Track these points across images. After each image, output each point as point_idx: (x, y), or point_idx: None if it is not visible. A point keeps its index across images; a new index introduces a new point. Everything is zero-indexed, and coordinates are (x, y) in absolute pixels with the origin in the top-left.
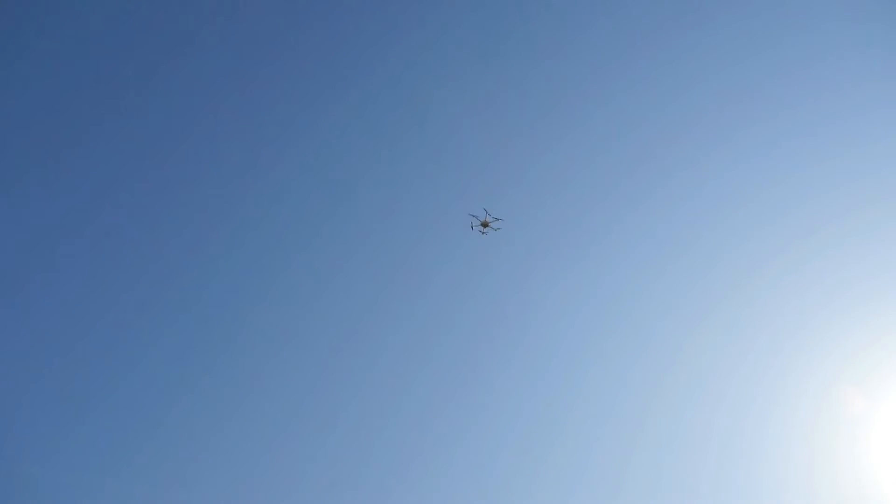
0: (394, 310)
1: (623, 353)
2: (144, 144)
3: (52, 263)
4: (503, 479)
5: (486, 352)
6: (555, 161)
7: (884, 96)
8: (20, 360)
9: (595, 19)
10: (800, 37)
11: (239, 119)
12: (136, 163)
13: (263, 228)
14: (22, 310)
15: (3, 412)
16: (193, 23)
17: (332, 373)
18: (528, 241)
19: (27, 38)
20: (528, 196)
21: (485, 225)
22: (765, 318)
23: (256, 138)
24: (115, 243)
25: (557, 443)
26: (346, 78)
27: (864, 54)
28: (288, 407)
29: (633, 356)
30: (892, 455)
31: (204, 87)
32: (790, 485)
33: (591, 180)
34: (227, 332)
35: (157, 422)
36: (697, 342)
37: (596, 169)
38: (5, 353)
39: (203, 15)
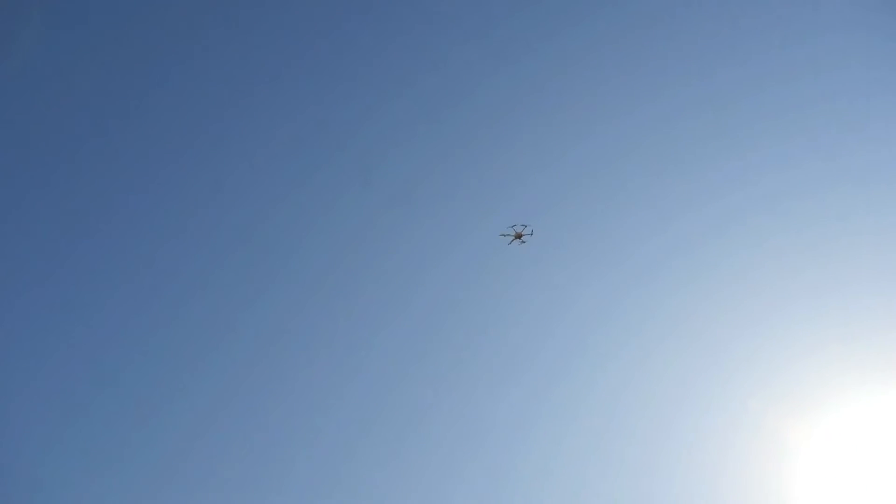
0: (389, 310)
1: (564, 376)
2: (143, 144)
3: (51, 263)
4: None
5: (477, 352)
6: (553, 163)
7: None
8: (20, 359)
9: (595, 20)
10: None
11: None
12: (133, 162)
13: (262, 230)
14: (21, 309)
15: (3, 412)
16: (192, 23)
17: (331, 373)
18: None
19: (26, 38)
20: (524, 197)
21: (518, 237)
22: (704, 343)
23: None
24: (114, 242)
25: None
26: (352, 78)
27: (864, 54)
28: (291, 406)
29: (573, 379)
30: (828, 484)
31: (205, 87)
32: None
33: (586, 182)
34: (229, 332)
35: (158, 421)
36: (641, 365)
37: (593, 171)
38: (5, 352)
39: (203, 15)
